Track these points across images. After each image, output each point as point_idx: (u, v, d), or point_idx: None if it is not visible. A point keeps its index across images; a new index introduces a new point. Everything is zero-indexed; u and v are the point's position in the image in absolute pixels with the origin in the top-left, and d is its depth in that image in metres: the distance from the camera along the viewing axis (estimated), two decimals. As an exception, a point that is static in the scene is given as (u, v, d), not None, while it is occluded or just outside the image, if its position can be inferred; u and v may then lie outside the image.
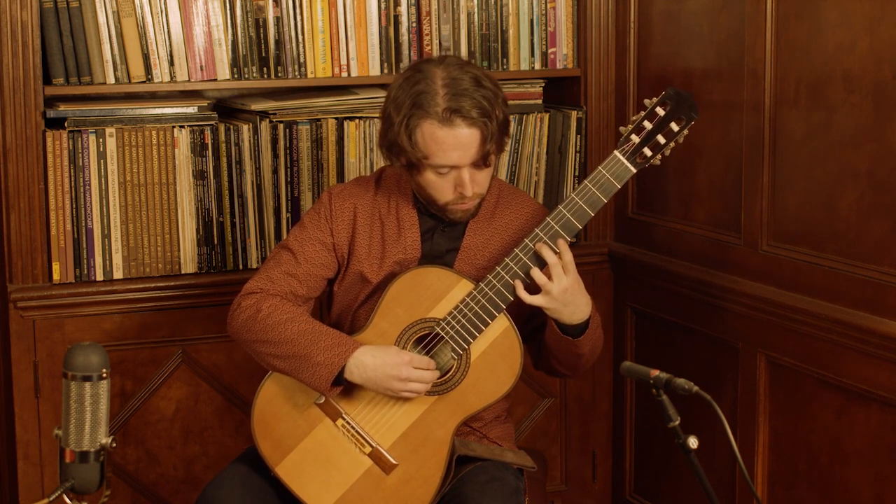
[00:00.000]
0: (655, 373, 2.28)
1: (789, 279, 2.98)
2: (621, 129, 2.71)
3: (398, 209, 2.80)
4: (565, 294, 2.64)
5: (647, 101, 2.70)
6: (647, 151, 2.67)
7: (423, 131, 2.62)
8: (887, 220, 2.71)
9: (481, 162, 2.66)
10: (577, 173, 3.58)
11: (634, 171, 2.68)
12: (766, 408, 3.09)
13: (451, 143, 2.62)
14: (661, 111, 2.67)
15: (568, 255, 2.64)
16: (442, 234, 2.79)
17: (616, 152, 2.67)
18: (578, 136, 3.57)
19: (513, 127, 3.50)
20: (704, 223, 3.29)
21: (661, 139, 2.67)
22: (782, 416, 3.05)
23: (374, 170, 3.42)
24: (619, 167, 2.67)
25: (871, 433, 2.80)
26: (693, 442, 2.23)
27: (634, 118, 2.70)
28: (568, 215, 2.66)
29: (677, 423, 2.26)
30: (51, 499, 1.99)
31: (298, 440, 2.70)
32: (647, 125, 2.67)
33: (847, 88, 2.79)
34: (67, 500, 2.02)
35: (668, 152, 2.69)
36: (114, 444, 2.02)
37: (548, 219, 2.66)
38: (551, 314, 2.67)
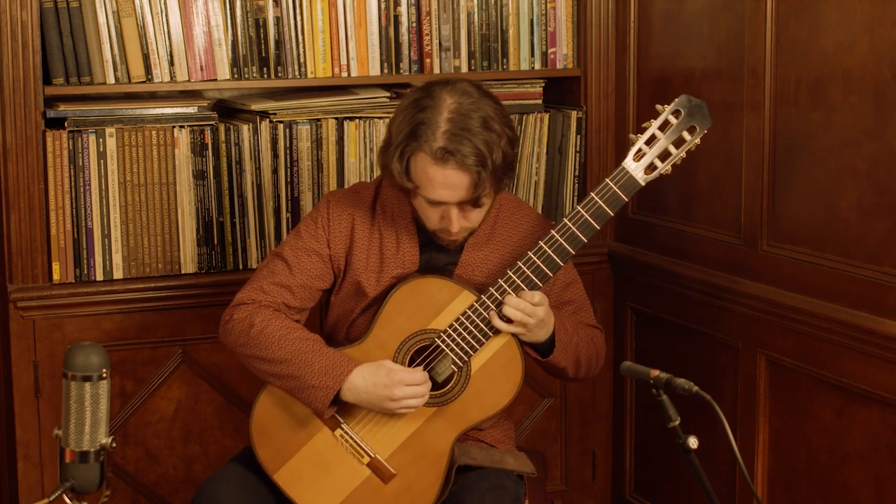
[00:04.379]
0: (655, 373, 2.28)
1: (789, 279, 2.98)
2: (631, 137, 2.65)
3: (397, 221, 2.76)
4: (534, 328, 2.66)
5: (658, 108, 2.64)
6: (658, 162, 2.62)
7: (416, 163, 2.57)
8: (887, 220, 2.71)
9: (471, 204, 2.61)
10: (577, 173, 3.58)
11: (643, 184, 2.62)
12: (766, 408, 3.09)
13: (441, 182, 2.56)
14: (673, 119, 2.61)
15: (532, 303, 2.62)
16: (440, 249, 2.75)
17: (624, 164, 2.61)
18: (578, 136, 3.57)
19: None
20: (704, 223, 3.29)
21: (672, 149, 2.62)
22: (782, 416, 3.05)
23: (374, 171, 3.42)
24: (627, 179, 2.61)
25: (871, 433, 2.80)
26: (693, 442, 2.23)
27: (645, 125, 2.63)
28: (573, 228, 2.61)
29: (677, 423, 2.26)
30: (51, 499, 1.99)
31: (297, 449, 2.69)
32: (659, 134, 2.61)
33: (847, 88, 2.79)
34: (67, 500, 2.02)
35: (678, 162, 2.65)
36: (114, 444, 2.02)
37: (552, 232, 2.62)
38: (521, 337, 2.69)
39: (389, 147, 2.61)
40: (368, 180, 3.15)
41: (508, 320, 2.62)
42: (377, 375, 2.61)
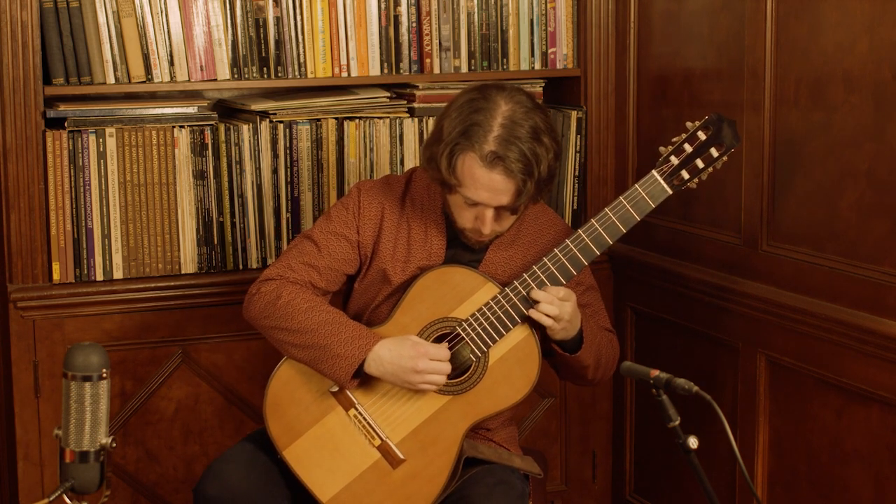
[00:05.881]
0: (655, 373, 2.28)
1: (789, 279, 2.98)
2: (661, 149, 2.72)
3: (426, 215, 2.80)
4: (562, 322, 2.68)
5: (689, 124, 2.71)
6: (685, 174, 2.70)
7: (464, 161, 2.61)
8: (887, 220, 2.71)
9: (508, 210, 2.66)
10: (577, 173, 3.58)
11: (670, 192, 2.70)
12: (766, 408, 3.09)
13: (485, 184, 2.60)
14: (702, 135, 2.69)
15: (560, 296, 2.66)
16: (465, 247, 2.79)
17: (654, 172, 2.69)
18: (578, 136, 3.57)
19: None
20: (704, 223, 3.29)
21: (699, 163, 2.70)
22: (782, 416, 3.05)
23: (374, 171, 3.42)
24: (655, 187, 2.69)
25: (871, 433, 2.80)
26: (693, 442, 2.24)
27: (675, 139, 2.71)
28: (600, 229, 2.68)
29: (677, 423, 2.26)
30: (51, 499, 1.99)
31: (309, 426, 2.71)
32: (688, 148, 2.69)
33: (847, 88, 2.79)
34: (67, 500, 2.02)
35: (705, 177, 2.72)
36: (114, 444, 2.02)
37: (579, 231, 2.68)
38: (548, 333, 2.70)
39: (440, 142, 2.64)
40: (368, 179, 3.16)
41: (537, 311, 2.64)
42: (403, 347, 2.63)
